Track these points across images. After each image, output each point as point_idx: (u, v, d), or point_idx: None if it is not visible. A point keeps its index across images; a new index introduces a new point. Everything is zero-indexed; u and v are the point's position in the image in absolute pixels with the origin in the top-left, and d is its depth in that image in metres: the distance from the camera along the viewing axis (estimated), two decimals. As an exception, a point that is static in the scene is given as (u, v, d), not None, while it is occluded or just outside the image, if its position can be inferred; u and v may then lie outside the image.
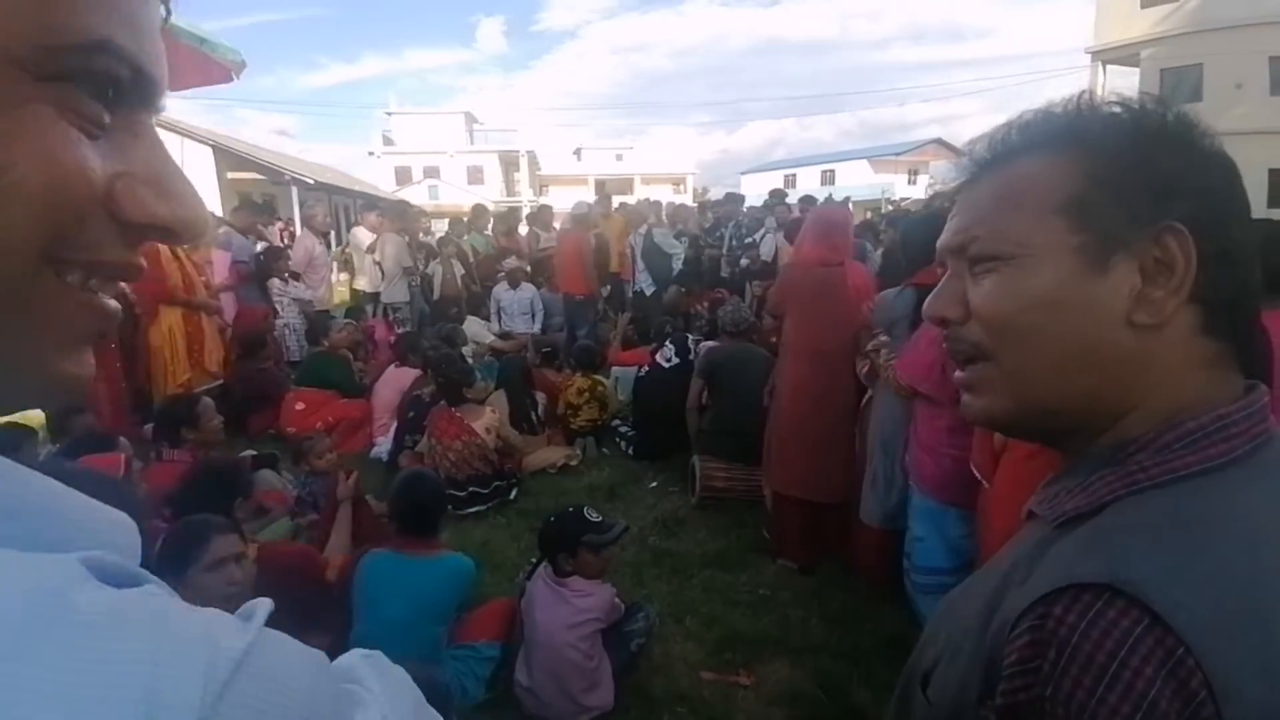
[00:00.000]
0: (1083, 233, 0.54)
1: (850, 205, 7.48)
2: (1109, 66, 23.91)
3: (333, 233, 12.11)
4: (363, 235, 7.06)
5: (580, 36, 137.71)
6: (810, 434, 3.04)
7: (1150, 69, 22.04)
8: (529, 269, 7.46)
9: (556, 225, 9.39)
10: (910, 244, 2.81)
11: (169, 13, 0.30)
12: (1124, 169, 0.54)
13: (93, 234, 0.28)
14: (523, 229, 8.91)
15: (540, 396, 4.86)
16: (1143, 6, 21.92)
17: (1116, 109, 0.56)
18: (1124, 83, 24.01)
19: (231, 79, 5.81)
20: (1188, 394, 0.54)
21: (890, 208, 16.94)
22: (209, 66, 5.42)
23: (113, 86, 0.28)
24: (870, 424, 2.87)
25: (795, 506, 3.14)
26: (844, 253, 3.11)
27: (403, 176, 38.92)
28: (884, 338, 2.74)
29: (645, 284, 7.35)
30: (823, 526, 3.15)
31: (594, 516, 2.49)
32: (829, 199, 7.72)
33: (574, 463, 4.53)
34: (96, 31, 0.27)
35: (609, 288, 7.78)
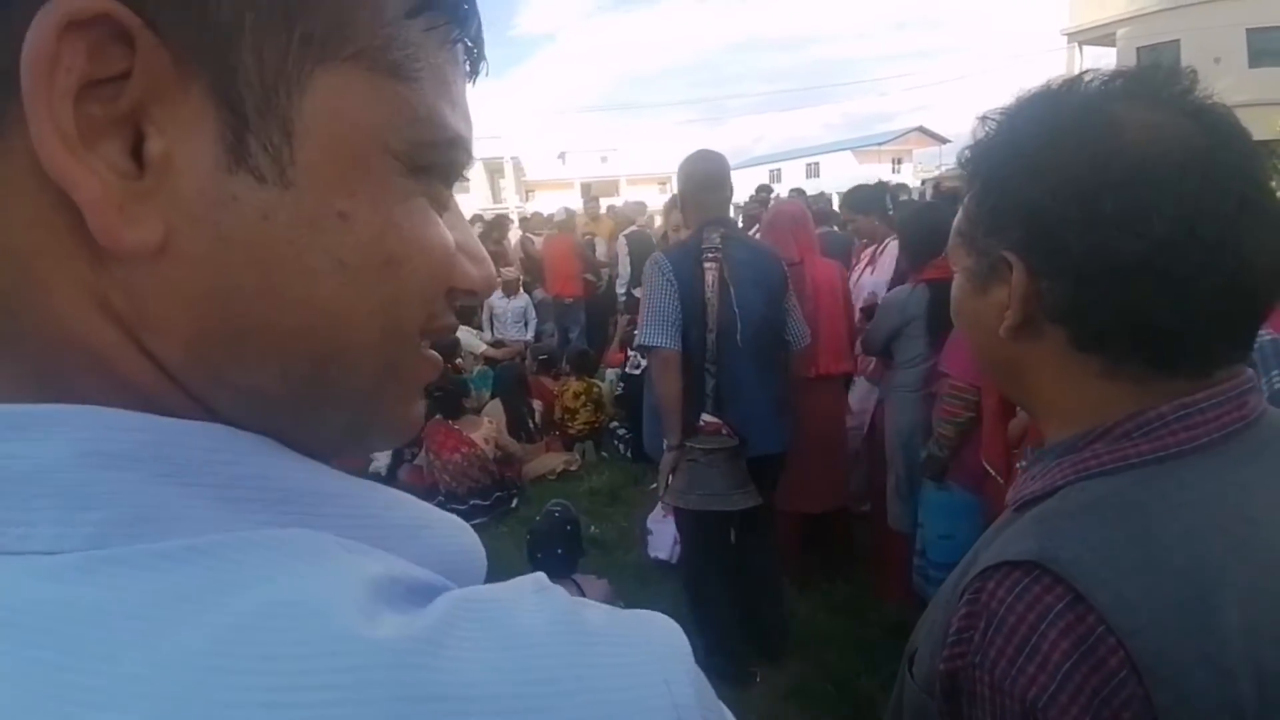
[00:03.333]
0: (969, 256, 0.61)
1: (805, 197, 7.46)
2: (1086, 48, 24.00)
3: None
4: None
5: (558, 40, 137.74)
6: (802, 447, 2.65)
7: (1126, 48, 22.09)
8: (524, 278, 7.44)
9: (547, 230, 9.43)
10: (910, 238, 2.73)
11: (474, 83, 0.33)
12: (983, 197, 0.60)
13: (443, 306, 0.32)
14: (513, 236, 8.90)
15: (537, 404, 4.87)
16: (1116, -14, 22.01)
17: (1002, 126, 0.60)
18: (1101, 63, 24.15)
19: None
20: (1085, 402, 0.56)
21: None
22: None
23: (457, 173, 0.32)
24: (887, 428, 2.77)
25: (791, 520, 2.95)
26: (804, 249, 2.88)
27: (387, 188, 38.74)
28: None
29: (634, 284, 7.35)
30: (822, 535, 3.05)
31: (556, 506, 2.57)
32: (820, 195, 7.71)
33: (574, 468, 4.54)
34: (454, 128, 0.30)
35: (603, 286, 7.74)
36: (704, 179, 2.40)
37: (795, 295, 2.56)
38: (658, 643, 0.25)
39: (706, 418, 2.25)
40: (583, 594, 2.37)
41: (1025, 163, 0.55)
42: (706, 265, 2.21)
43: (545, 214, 10.20)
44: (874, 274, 3.60)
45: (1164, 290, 0.50)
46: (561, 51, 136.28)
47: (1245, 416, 0.52)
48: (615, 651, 0.24)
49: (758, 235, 5.83)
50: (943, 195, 8.15)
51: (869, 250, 3.81)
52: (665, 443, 2.33)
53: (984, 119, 0.61)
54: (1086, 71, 0.58)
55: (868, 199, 3.92)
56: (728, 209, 2.53)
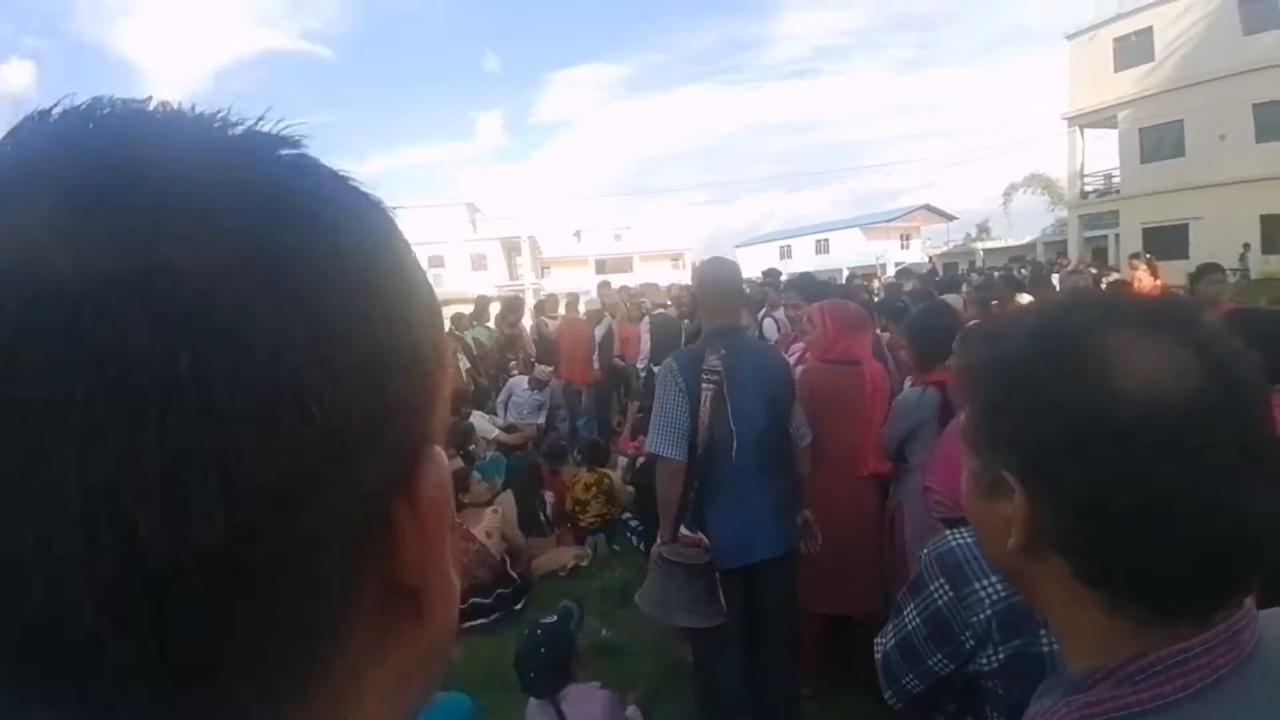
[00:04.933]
0: (974, 458, 0.61)
1: (844, 282, 7.55)
2: (1087, 130, 24.56)
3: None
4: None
5: (575, 126, 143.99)
6: (834, 546, 2.68)
7: (1129, 130, 22.59)
8: (549, 370, 7.40)
9: (562, 310, 9.56)
10: (918, 341, 2.75)
11: None
12: (979, 419, 0.60)
13: None
14: (527, 320, 9.01)
15: (549, 495, 4.79)
16: (1115, 70, 22.57)
17: (990, 347, 0.60)
18: (1102, 144, 24.72)
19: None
20: (1092, 635, 0.55)
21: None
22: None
23: None
24: (906, 531, 2.69)
25: (817, 620, 2.89)
26: (864, 352, 2.96)
27: (408, 266, 39.81)
28: None
29: (655, 362, 7.38)
30: (849, 641, 2.93)
31: (549, 618, 2.50)
32: (830, 283, 7.75)
33: (584, 563, 4.41)
34: None
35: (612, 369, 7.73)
36: (715, 284, 2.52)
37: (853, 397, 2.73)
38: None
39: (684, 532, 2.31)
40: (562, 717, 2.24)
41: (1022, 397, 0.55)
42: (704, 386, 2.26)
43: (559, 295, 10.38)
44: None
45: (1161, 543, 0.50)
46: (578, 136, 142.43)
47: (1238, 655, 0.52)
48: None
49: (781, 314, 5.83)
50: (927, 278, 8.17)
51: (800, 345, 3.63)
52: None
53: (973, 337, 0.62)
54: (1087, 294, 0.60)
55: (818, 289, 3.88)
56: (739, 314, 2.61)
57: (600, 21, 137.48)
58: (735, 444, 2.27)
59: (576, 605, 2.63)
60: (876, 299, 8.09)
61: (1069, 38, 24.02)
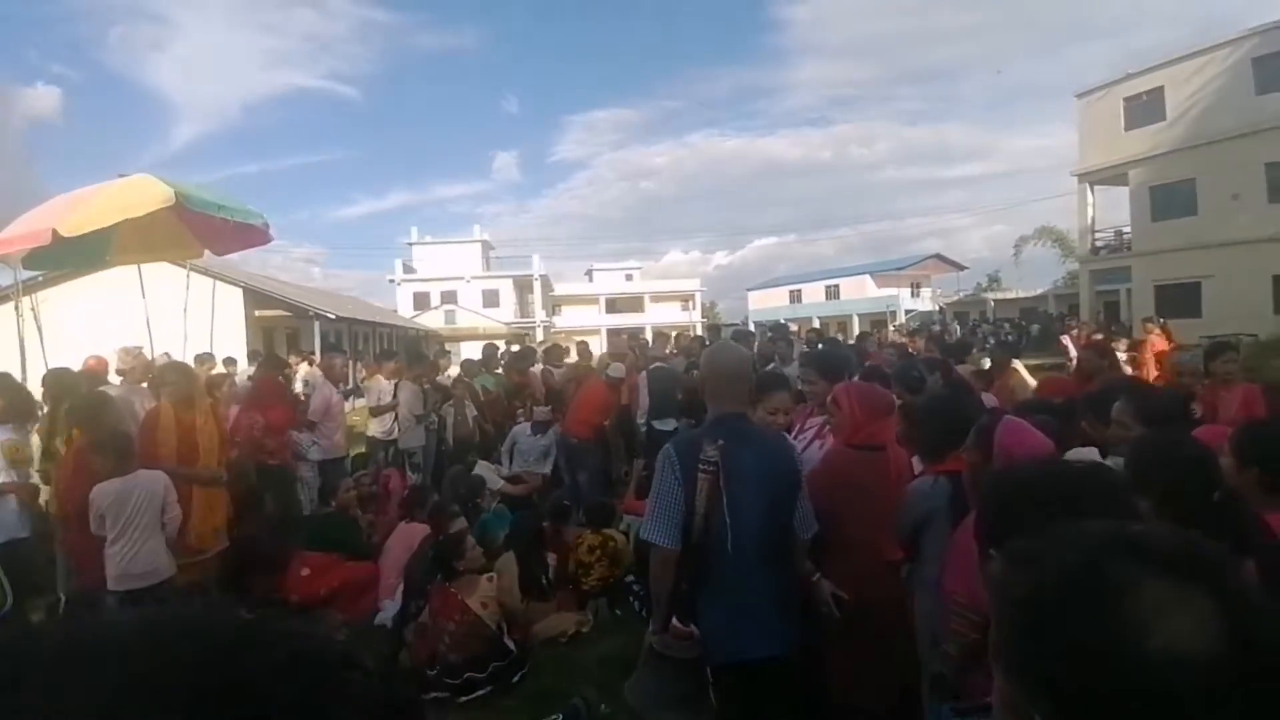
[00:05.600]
0: (1007, 683, 0.62)
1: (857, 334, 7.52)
2: (1097, 187, 24.63)
3: (353, 363, 12.28)
4: (383, 384, 7.14)
5: (591, 166, 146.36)
6: (860, 637, 2.60)
7: (1139, 188, 22.63)
8: (548, 410, 7.44)
9: (570, 359, 9.60)
10: (929, 430, 2.70)
11: None
12: (1010, 658, 0.61)
13: None
14: (536, 367, 9.03)
15: (551, 557, 4.72)
16: (1126, 129, 22.72)
17: (1024, 575, 0.62)
18: (1112, 199, 24.77)
19: (269, 239, 6.16)
20: None
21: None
22: (243, 232, 5.77)
23: None
24: (916, 626, 2.61)
25: (853, 717, 2.76)
26: (889, 437, 2.91)
27: (421, 302, 40.24)
28: None
29: (653, 417, 7.35)
30: None
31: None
32: (847, 359, 7.67)
33: (585, 629, 4.32)
34: None
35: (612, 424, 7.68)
36: (721, 370, 2.49)
37: (878, 482, 2.69)
38: None
39: (675, 624, 2.27)
40: None
41: (1058, 644, 0.58)
42: (701, 476, 2.22)
43: (564, 343, 10.50)
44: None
45: None
46: (593, 176, 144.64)
47: None
48: None
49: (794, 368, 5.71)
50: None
51: (816, 420, 3.45)
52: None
53: (1012, 561, 0.62)
54: (1123, 530, 0.63)
55: (835, 365, 3.66)
56: (744, 402, 2.57)
57: (618, 68, 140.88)
58: (730, 535, 2.23)
59: (584, 705, 2.57)
60: (888, 350, 8.11)
61: (1079, 96, 24.29)
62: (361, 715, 0.34)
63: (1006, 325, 25.53)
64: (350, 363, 8.25)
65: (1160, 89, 21.77)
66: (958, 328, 24.89)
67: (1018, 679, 0.60)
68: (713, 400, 2.49)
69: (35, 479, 4.70)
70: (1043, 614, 0.58)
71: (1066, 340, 11.33)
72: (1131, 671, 0.53)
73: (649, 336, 13.75)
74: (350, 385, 9.15)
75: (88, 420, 4.15)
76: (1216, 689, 0.52)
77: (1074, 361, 9.13)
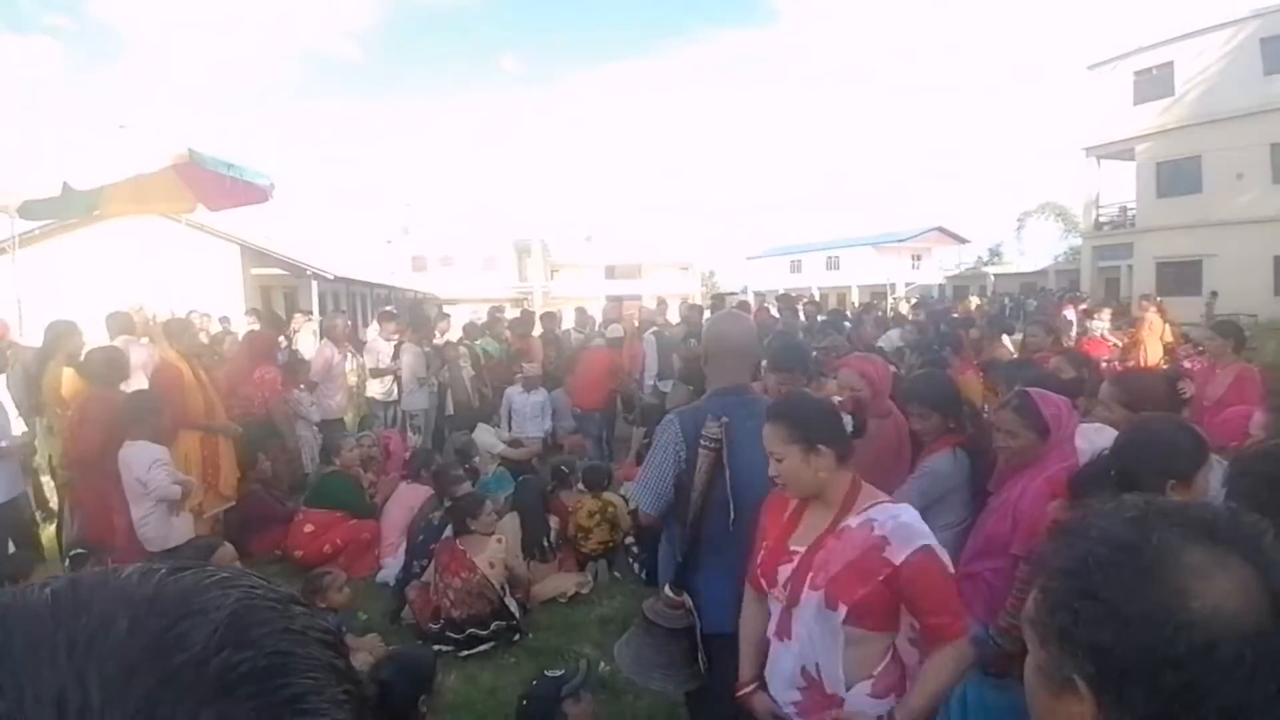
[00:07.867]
0: (1042, 650, 0.64)
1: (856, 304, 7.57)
2: (1104, 161, 24.44)
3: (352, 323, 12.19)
4: (382, 345, 7.14)
5: (591, 130, 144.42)
6: None
7: (1146, 163, 22.46)
8: (535, 365, 7.52)
9: (566, 325, 9.65)
10: (934, 402, 2.70)
11: None
12: (1052, 612, 0.63)
13: None
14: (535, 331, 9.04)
15: (553, 519, 4.78)
16: (1135, 103, 22.47)
17: (1069, 546, 0.64)
18: (1120, 177, 24.59)
19: (268, 198, 6.10)
20: None
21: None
22: (243, 189, 5.72)
23: None
24: None
25: None
26: (887, 403, 2.98)
27: (418, 264, 39.92)
28: None
29: (657, 381, 7.43)
30: None
31: (555, 673, 2.52)
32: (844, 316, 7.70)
33: (585, 590, 4.40)
34: None
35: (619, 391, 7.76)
36: (729, 344, 2.42)
37: (893, 447, 2.76)
38: None
39: (668, 593, 2.27)
40: None
41: (1102, 609, 0.59)
42: (701, 452, 2.19)
43: (558, 311, 10.63)
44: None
45: None
46: (593, 141, 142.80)
47: None
48: None
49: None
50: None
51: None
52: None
53: (1062, 535, 0.64)
54: (1164, 504, 0.64)
55: (796, 356, 3.43)
56: (747, 374, 2.49)
57: (620, 29, 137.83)
58: (733, 511, 2.19)
59: (585, 664, 2.63)
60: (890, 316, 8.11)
61: (1090, 68, 23.94)
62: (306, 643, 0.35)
63: (1006, 300, 25.46)
64: (349, 324, 8.21)
65: (1170, 63, 21.45)
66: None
67: (1060, 646, 0.62)
68: (715, 373, 2.42)
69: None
70: (1091, 582, 0.60)
71: (1070, 313, 11.35)
72: (1175, 635, 0.55)
73: (648, 304, 13.78)
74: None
75: (104, 374, 4.18)
76: (1257, 652, 0.54)
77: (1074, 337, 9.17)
